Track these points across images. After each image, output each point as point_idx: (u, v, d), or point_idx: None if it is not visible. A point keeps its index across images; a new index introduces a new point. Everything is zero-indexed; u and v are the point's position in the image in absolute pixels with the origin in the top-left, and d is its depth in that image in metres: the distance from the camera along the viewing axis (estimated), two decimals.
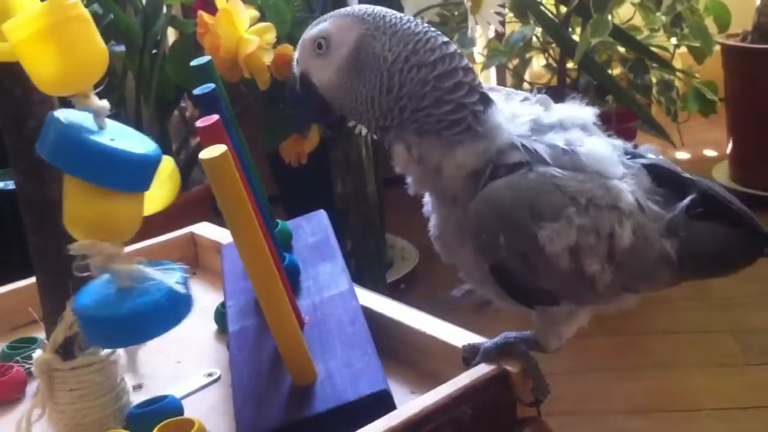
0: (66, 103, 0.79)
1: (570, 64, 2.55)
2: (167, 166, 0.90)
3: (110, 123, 0.80)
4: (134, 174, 0.77)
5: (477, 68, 3.23)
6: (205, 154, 0.75)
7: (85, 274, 0.79)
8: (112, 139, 0.76)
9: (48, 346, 0.85)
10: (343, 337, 0.91)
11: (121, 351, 0.89)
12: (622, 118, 2.32)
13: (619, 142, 0.83)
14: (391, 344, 0.95)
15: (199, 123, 0.82)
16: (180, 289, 0.78)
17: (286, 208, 2.58)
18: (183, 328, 1.13)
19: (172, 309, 0.78)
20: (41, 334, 1.06)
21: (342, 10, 0.79)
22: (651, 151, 0.85)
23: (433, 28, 0.78)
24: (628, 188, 0.77)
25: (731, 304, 2.18)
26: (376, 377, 0.84)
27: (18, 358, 1.00)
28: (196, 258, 1.32)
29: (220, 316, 1.10)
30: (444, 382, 0.83)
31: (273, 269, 0.79)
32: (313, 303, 0.97)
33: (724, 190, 0.84)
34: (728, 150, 2.93)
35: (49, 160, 0.75)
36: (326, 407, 0.82)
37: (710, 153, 3.24)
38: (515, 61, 2.65)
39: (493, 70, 3.27)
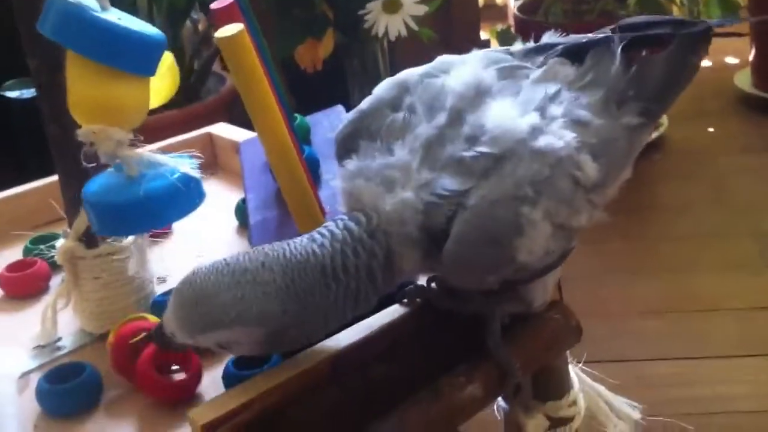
0: None
1: None
2: (166, 59, 0.89)
3: (113, 9, 0.78)
4: (140, 53, 0.76)
5: None
6: (221, 33, 0.73)
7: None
8: (119, 18, 0.75)
9: (71, 234, 0.86)
10: None
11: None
12: None
13: (518, 49, 0.79)
14: None
15: (214, 5, 0.80)
16: (194, 173, 0.77)
17: None
18: (203, 224, 1.14)
19: (187, 193, 0.77)
20: (60, 232, 1.07)
21: (234, 311, 0.65)
22: (553, 36, 0.80)
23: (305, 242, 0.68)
24: (557, 126, 0.69)
25: (750, 208, 2.17)
26: None
27: (42, 246, 1.00)
28: (214, 158, 1.32)
29: (241, 211, 1.10)
30: None
31: (292, 148, 0.78)
32: (334, 194, 0.97)
33: (640, 17, 0.81)
34: (751, 57, 2.87)
35: (52, 37, 0.74)
36: None
37: (732, 60, 3.18)
38: None
39: None
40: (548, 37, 0.80)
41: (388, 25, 1.86)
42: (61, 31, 0.73)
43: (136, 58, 0.75)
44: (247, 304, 0.65)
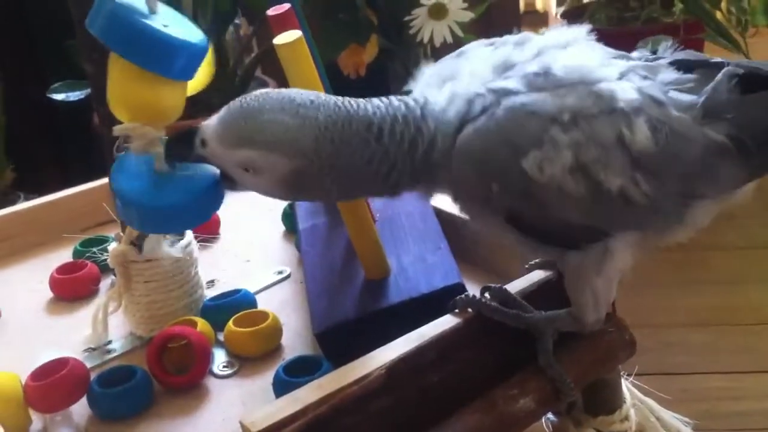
0: None
1: None
2: None
3: (162, 7, 0.79)
4: (181, 62, 0.76)
5: None
6: (280, 39, 0.73)
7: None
8: (165, 25, 0.75)
9: (123, 238, 0.86)
10: (414, 232, 0.90)
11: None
12: (689, 29, 2.23)
13: (636, 54, 0.77)
14: (462, 244, 0.94)
15: (271, 12, 0.80)
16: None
17: None
18: (251, 229, 1.14)
19: (219, 194, 0.76)
20: (110, 235, 1.08)
21: (268, 132, 0.66)
22: (668, 50, 0.78)
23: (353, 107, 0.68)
24: (629, 86, 0.69)
25: None
26: (450, 271, 0.83)
27: (94, 249, 1.01)
28: None
29: (288, 216, 1.10)
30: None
31: None
32: (383, 200, 0.96)
33: (757, 62, 0.76)
34: None
35: (99, 37, 0.74)
36: (400, 299, 0.81)
37: None
38: None
39: None
40: (662, 50, 0.79)
41: (434, 31, 1.85)
42: (109, 33, 0.74)
43: (178, 66, 0.76)
44: (282, 129, 0.65)
